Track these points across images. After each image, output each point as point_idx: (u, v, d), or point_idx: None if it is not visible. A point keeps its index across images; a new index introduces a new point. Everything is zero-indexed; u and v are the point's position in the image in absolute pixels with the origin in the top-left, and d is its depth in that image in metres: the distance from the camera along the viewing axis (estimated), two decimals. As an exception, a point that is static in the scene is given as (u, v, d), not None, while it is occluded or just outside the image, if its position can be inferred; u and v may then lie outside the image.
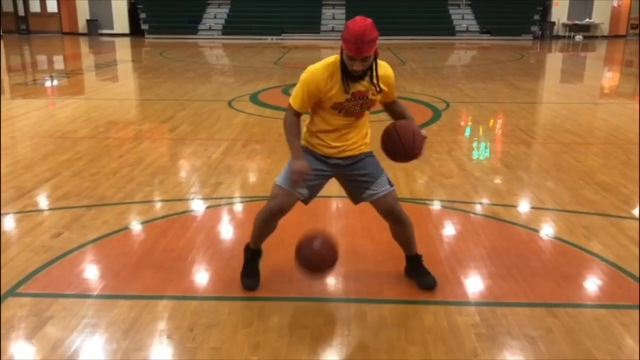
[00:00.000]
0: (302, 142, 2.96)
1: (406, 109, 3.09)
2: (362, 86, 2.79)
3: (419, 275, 3.13)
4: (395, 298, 3.03)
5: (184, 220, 4.08)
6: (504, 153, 6.03)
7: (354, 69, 2.69)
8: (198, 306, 2.91)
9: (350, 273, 3.28)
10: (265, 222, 3.01)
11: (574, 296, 3.08)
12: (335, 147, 2.92)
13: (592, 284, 3.24)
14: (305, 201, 3.01)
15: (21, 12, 26.62)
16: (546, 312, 2.88)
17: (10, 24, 25.75)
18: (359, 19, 2.67)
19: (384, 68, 2.87)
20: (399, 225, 3.04)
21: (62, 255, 3.47)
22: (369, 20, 2.66)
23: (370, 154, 3.00)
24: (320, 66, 2.79)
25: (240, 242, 3.69)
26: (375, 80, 2.78)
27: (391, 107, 3.07)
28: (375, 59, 2.75)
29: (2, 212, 4.20)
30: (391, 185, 2.99)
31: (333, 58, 2.79)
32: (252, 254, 3.16)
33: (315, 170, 2.93)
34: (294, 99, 2.83)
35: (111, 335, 2.66)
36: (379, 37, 2.68)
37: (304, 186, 2.91)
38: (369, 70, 2.76)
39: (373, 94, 2.83)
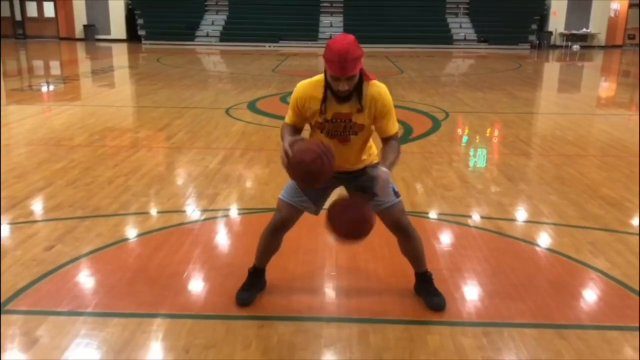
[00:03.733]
0: None
1: (391, 153, 2.69)
2: (345, 108, 2.65)
3: (428, 294, 3.03)
4: (398, 318, 2.92)
5: (180, 233, 3.98)
6: (506, 165, 5.95)
7: (339, 89, 2.56)
8: (194, 325, 2.81)
9: (352, 290, 3.18)
10: (270, 236, 2.94)
11: (583, 317, 2.98)
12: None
13: (601, 304, 3.13)
14: (315, 213, 2.93)
15: (18, 17, 26.56)
16: (555, 333, 2.78)
17: (7, 28, 25.67)
18: (339, 37, 2.53)
19: (375, 87, 2.66)
20: (407, 239, 2.94)
21: (54, 270, 3.36)
22: (351, 37, 2.52)
23: (377, 165, 2.89)
24: (307, 82, 2.71)
25: (238, 256, 3.60)
26: (361, 100, 2.62)
27: (383, 148, 2.76)
28: (361, 78, 2.62)
29: (-7, 223, 4.09)
30: (397, 196, 2.89)
31: (320, 76, 2.68)
32: (254, 270, 3.07)
33: None
34: (287, 114, 2.81)
35: (103, 356, 2.55)
36: (364, 52, 2.54)
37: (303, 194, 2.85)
38: (356, 91, 2.62)
39: (361, 117, 2.66)
